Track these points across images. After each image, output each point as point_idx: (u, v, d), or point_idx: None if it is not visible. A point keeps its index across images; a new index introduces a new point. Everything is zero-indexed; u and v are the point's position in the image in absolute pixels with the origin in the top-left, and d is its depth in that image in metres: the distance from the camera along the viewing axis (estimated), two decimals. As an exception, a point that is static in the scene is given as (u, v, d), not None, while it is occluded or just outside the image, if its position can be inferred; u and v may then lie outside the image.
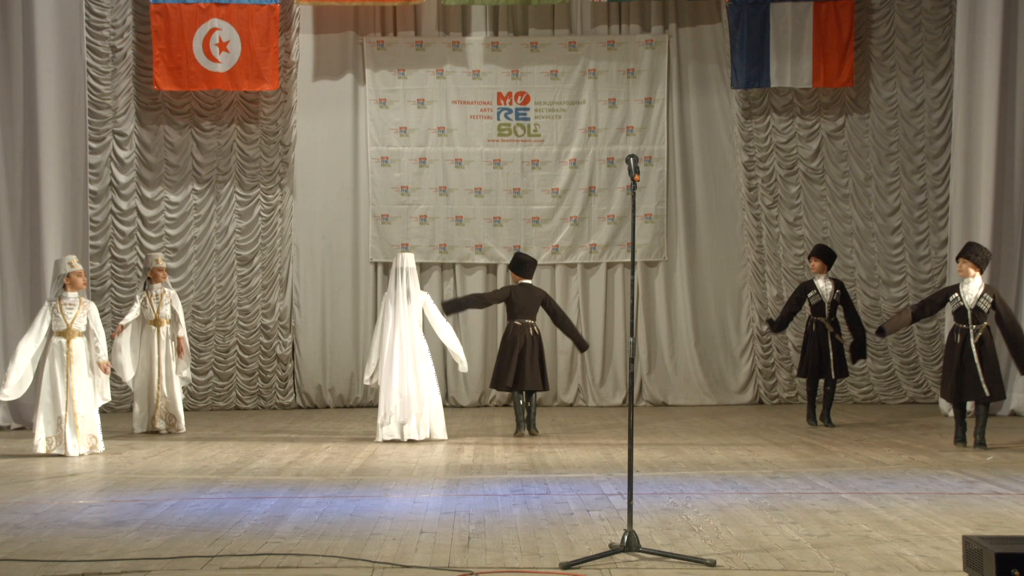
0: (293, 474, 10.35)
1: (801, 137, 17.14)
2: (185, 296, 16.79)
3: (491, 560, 6.72)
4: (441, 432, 12.75)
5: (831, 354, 13.82)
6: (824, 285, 13.94)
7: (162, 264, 14.23)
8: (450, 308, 13.70)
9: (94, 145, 16.48)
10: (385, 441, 12.53)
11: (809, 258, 14.46)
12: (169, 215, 16.90)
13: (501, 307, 14.52)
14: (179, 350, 14.00)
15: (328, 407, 16.97)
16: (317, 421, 15.14)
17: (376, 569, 6.52)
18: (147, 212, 16.86)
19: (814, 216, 17.14)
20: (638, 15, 17.32)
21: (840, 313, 14.01)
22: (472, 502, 8.70)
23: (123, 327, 13.65)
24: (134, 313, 13.87)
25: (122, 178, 16.77)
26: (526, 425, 13.29)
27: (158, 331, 13.91)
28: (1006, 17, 15.03)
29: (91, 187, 16.31)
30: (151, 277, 14.07)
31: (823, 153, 17.14)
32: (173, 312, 14.05)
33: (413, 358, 12.68)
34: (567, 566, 6.52)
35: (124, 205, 16.78)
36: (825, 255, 14.15)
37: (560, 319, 13.72)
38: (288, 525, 7.83)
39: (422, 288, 13.67)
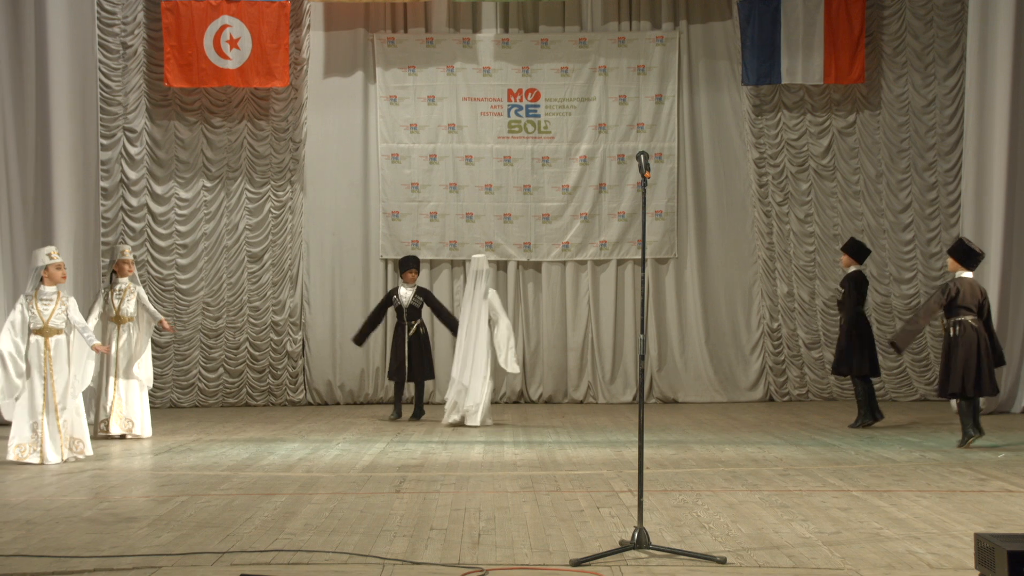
0: (303, 471, 10.35)
1: (812, 134, 17.11)
2: (195, 293, 16.85)
3: (501, 557, 6.71)
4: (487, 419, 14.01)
5: (842, 351, 13.62)
6: (844, 280, 13.75)
7: (128, 257, 13.22)
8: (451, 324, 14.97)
9: (105, 142, 16.52)
10: (451, 424, 13.85)
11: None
12: (179, 211, 16.93)
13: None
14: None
15: (338, 403, 17.00)
16: (327, 418, 15.16)
17: (386, 566, 6.51)
18: (157, 208, 16.89)
19: (825, 213, 17.12)
20: (648, 12, 17.31)
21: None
22: (482, 499, 8.70)
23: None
24: (96, 312, 12.92)
25: (133, 174, 16.80)
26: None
27: (118, 329, 13.02)
28: (1018, 13, 14.95)
29: (102, 184, 16.35)
30: (116, 270, 13.16)
31: (834, 150, 17.10)
32: (142, 307, 13.14)
33: (475, 352, 13.95)
34: (577, 563, 6.51)
35: (135, 202, 16.82)
36: (852, 250, 13.81)
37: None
38: (298, 522, 7.83)
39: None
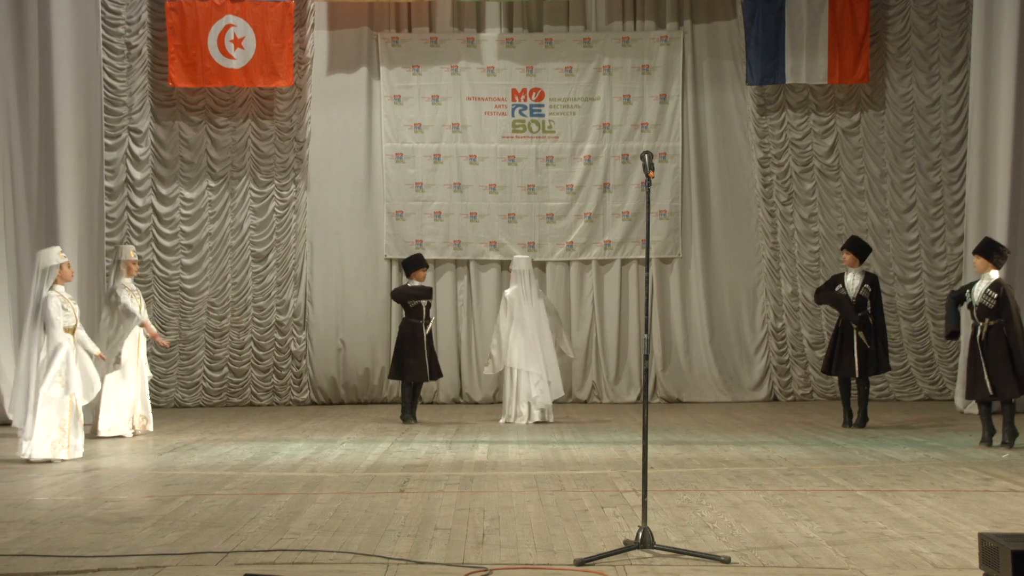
0: (308, 470, 10.36)
1: (816, 133, 17.10)
2: (200, 292, 16.88)
3: (505, 556, 6.71)
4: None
5: (855, 351, 13.32)
6: (852, 279, 13.50)
7: (134, 257, 13.43)
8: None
9: (110, 142, 16.54)
10: (528, 423, 14.12)
11: (842, 250, 14.16)
12: (184, 211, 16.94)
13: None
14: (155, 335, 13.49)
15: (342, 403, 17.00)
16: (331, 417, 15.16)
17: (391, 565, 6.52)
18: (162, 209, 16.90)
19: (829, 213, 17.11)
20: (653, 11, 17.31)
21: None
22: (486, 499, 8.70)
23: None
24: (132, 306, 13.00)
25: (137, 175, 16.81)
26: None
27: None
28: (1023, 13, 14.92)
29: (107, 184, 16.36)
30: (125, 271, 13.23)
31: (838, 150, 17.10)
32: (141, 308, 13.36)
33: (548, 349, 14.46)
34: (582, 563, 6.51)
35: (140, 202, 16.83)
36: (856, 248, 13.70)
37: None
38: (303, 521, 7.83)
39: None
